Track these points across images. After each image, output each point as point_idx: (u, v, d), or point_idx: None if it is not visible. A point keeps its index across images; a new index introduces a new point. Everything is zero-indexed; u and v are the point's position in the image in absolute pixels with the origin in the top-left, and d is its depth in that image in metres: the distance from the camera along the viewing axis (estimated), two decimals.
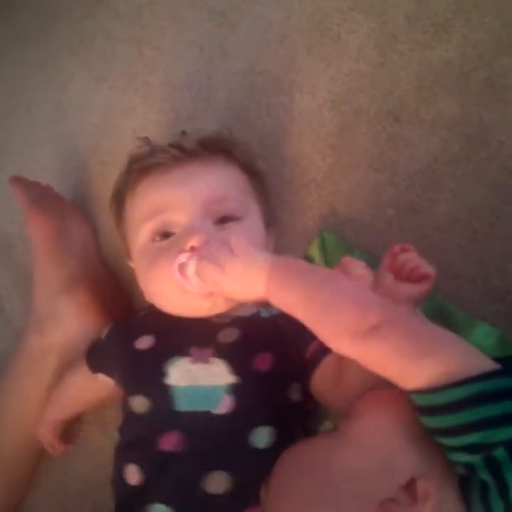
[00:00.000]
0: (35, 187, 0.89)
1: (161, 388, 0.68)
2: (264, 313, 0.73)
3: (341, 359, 0.65)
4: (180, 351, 0.69)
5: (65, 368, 0.86)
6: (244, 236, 0.63)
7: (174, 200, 0.71)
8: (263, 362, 0.68)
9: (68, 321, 0.84)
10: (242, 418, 0.66)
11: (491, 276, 0.79)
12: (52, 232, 0.86)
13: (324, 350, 0.67)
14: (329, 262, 0.82)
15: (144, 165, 0.74)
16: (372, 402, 0.59)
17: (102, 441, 0.88)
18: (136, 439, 0.69)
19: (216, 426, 0.66)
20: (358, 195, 0.85)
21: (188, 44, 0.97)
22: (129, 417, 0.71)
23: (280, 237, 0.86)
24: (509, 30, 0.81)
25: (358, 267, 0.63)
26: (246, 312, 0.73)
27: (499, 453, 0.48)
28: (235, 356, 0.68)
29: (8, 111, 1.05)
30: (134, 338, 0.73)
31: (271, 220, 0.81)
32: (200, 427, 0.66)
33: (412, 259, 0.65)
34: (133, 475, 0.67)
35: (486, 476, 0.49)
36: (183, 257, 0.66)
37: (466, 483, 0.50)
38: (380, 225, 0.84)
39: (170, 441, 0.66)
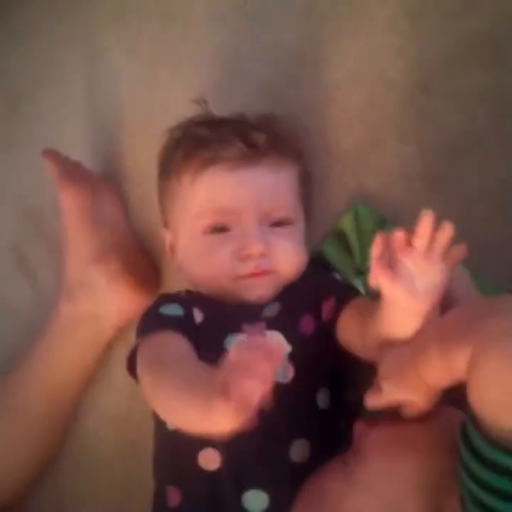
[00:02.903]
0: (66, 160, 0.90)
1: None
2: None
3: (359, 314, 0.67)
4: (232, 328, 0.69)
5: (95, 337, 0.88)
6: (292, 240, 0.73)
7: (239, 203, 0.72)
8: (307, 325, 0.70)
9: (100, 290, 0.86)
10: (304, 382, 0.67)
11: None
12: (84, 202, 0.87)
13: (339, 305, 0.70)
14: (362, 234, 0.83)
15: (211, 156, 0.72)
16: (381, 447, 0.59)
17: (130, 406, 0.90)
18: None
19: (286, 395, 0.64)
20: (385, 168, 0.85)
21: (215, 18, 0.97)
22: None
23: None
24: None
25: None
26: None
27: None
28: (285, 325, 0.69)
29: (37, 84, 1.05)
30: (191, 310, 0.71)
31: (310, 214, 0.81)
32: (274, 400, 0.63)
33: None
34: (210, 460, 0.65)
35: None
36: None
37: None
38: (407, 198, 0.84)
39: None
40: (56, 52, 1.04)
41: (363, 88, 0.87)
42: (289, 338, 0.69)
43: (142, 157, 0.93)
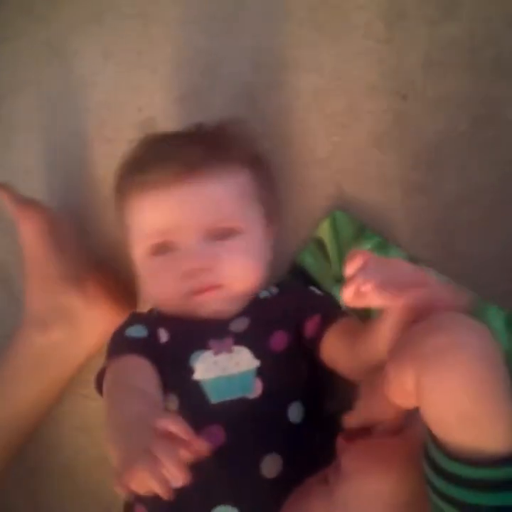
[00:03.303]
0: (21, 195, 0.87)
1: (190, 384, 0.68)
2: (263, 294, 0.76)
3: (346, 334, 0.67)
4: (198, 345, 0.69)
5: (71, 361, 0.85)
6: (242, 251, 0.71)
7: (175, 223, 0.71)
8: (279, 341, 0.70)
9: (77, 314, 0.83)
10: (274, 397, 0.67)
11: (500, 255, 0.79)
12: (46, 228, 0.84)
13: (324, 324, 0.69)
14: (341, 241, 0.83)
15: (144, 180, 0.72)
16: (358, 463, 0.59)
17: None
18: None
19: (254, 410, 0.66)
20: (363, 174, 0.85)
21: (194, 20, 0.96)
22: None
23: (284, 217, 0.86)
24: None
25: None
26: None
27: None
28: (253, 341, 0.69)
29: (15, 87, 1.04)
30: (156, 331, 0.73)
31: (274, 216, 0.79)
32: (238, 414, 0.66)
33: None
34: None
35: None
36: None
37: None
38: (386, 204, 0.84)
39: (213, 436, 0.65)
40: (31, 54, 1.03)
41: (342, 93, 0.86)
42: (257, 354, 0.69)
43: (118, 163, 0.92)
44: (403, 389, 0.51)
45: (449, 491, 0.47)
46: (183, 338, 0.70)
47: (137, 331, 0.72)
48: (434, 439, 0.49)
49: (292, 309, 0.72)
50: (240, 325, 0.71)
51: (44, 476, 0.92)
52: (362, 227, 0.83)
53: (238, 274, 0.71)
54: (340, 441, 0.62)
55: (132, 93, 0.97)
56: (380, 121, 0.84)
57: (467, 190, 0.82)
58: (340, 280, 0.81)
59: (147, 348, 0.69)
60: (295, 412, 0.68)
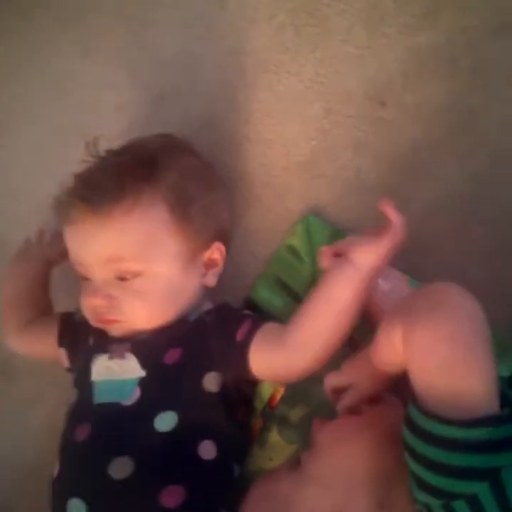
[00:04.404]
0: None
1: (87, 384, 0.74)
2: (192, 316, 0.76)
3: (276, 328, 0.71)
4: (103, 349, 0.75)
5: None
6: (139, 294, 0.72)
7: (79, 259, 0.74)
8: (171, 356, 0.72)
9: None
10: (145, 406, 0.70)
11: (472, 264, 0.79)
12: None
13: (253, 331, 0.71)
14: (314, 246, 0.82)
15: (61, 212, 0.75)
16: (332, 437, 0.62)
17: None
18: (63, 432, 0.75)
19: (122, 415, 0.70)
20: (340, 179, 0.85)
21: (176, 20, 0.96)
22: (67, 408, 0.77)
23: (262, 220, 0.87)
24: (498, 17, 0.81)
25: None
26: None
27: (460, 506, 0.47)
28: (146, 351, 0.73)
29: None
30: (88, 335, 0.80)
31: (203, 244, 0.77)
32: (108, 417, 0.71)
33: None
34: (55, 468, 0.73)
35: None
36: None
37: None
38: (361, 209, 0.84)
39: (82, 433, 0.70)
40: (11, 51, 1.02)
41: (321, 98, 0.86)
42: (145, 364, 0.72)
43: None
44: (392, 344, 0.54)
45: (427, 452, 0.49)
46: (97, 341, 0.77)
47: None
48: (415, 399, 0.50)
49: (220, 321, 0.74)
50: (144, 335, 0.74)
51: (44, 477, 0.91)
52: (335, 231, 0.82)
53: (134, 314, 0.74)
54: (315, 423, 0.65)
55: (109, 90, 0.96)
56: (359, 127, 0.84)
57: (442, 197, 0.82)
58: (316, 280, 0.81)
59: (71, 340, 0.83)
60: (163, 422, 0.69)
